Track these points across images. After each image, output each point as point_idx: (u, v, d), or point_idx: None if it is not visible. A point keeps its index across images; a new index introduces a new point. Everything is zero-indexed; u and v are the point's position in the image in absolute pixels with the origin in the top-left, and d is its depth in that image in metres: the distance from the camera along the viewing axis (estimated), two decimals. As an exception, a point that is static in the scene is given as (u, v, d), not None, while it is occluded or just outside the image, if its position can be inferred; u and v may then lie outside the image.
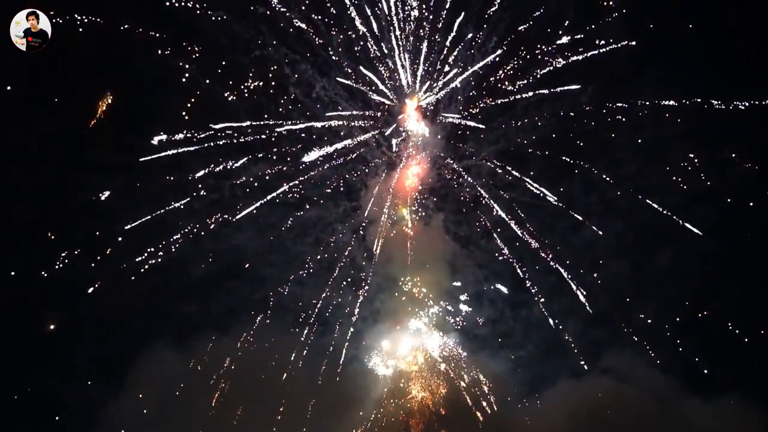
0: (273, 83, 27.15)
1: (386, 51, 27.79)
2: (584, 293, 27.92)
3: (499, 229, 29.15)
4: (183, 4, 25.37)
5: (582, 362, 28.79)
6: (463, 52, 27.75)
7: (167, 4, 25.23)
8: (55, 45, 21.39)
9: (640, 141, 27.19)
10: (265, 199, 27.68)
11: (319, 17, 26.67)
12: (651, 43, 25.76)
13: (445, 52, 27.87)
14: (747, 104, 25.10)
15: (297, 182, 28.21)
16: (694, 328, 27.67)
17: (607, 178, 27.36)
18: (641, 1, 25.71)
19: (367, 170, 29.43)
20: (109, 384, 27.81)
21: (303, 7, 26.53)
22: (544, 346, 29.63)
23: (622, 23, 25.56)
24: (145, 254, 26.60)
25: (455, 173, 29.57)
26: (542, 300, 28.81)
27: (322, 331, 29.21)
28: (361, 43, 27.41)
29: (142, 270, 26.66)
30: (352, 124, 28.30)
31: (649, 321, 28.28)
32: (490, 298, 29.66)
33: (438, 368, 29.97)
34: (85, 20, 24.21)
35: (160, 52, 25.72)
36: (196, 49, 26.10)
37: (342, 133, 28.33)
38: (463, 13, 27.09)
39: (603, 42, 26.06)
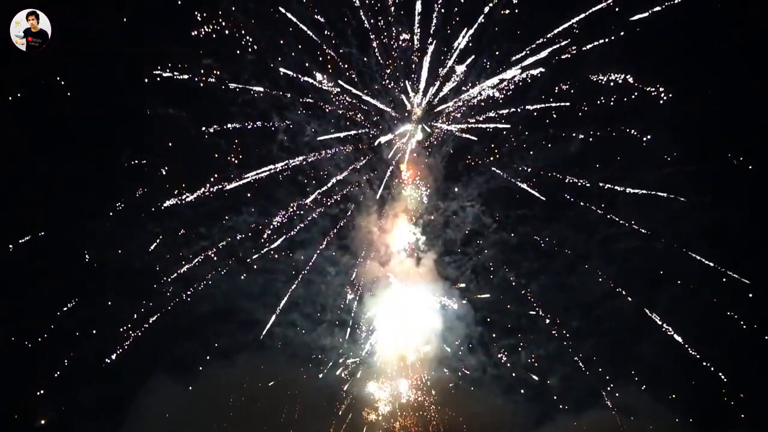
0: (262, 127, 27.23)
1: (378, 91, 27.88)
2: (570, 340, 28.05)
3: (492, 270, 29.31)
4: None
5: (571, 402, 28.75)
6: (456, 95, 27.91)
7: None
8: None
9: (636, 180, 26.90)
10: (256, 247, 27.50)
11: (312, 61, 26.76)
12: (651, 83, 25.43)
13: (438, 92, 28.00)
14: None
15: (287, 225, 28.05)
16: (699, 365, 26.74)
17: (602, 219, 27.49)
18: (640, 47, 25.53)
19: (358, 210, 29.13)
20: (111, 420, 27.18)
21: (293, 52, 26.82)
22: (541, 384, 29.20)
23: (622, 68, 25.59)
24: (141, 310, 26.44)
25: (447, 213, 29.54)
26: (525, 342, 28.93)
27: (315, 372, 28.69)
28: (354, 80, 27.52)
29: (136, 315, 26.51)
30: (345, 169, 28.14)
31: (651, 358, 27.90)
32: (482, 340, 29.23)
33: (433, 407, 29.59)
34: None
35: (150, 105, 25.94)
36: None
37: (334, 177, 28.07)
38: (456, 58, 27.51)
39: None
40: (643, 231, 26.67)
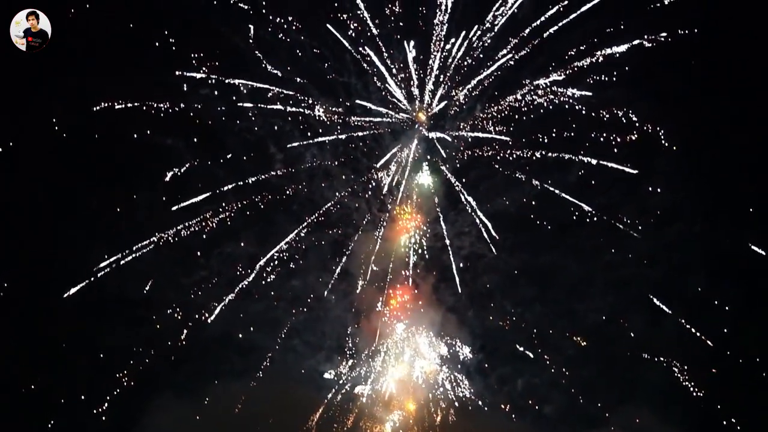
0: (259, 155, 26.87)
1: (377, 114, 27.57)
2: (569, 365, 27.95)
3: (490, 296, 28.73)
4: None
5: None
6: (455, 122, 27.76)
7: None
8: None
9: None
10: (255, 275, 27.00)
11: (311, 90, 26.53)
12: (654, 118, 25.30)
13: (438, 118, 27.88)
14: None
15: (286, 252, 27.58)
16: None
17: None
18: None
19: (357, 236, 28.54)
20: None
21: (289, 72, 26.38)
22: (541, 411, 29.03)
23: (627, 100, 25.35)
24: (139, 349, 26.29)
25: (445, 238, 28.89)
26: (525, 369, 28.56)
27: (316, 398, 28.34)
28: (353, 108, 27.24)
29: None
30: (344, 195, 27.94)
31: (654, 382, 27.69)
32: (480, 367, 28.88)
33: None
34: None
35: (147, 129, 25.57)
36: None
37: (333, 203, 27.82)
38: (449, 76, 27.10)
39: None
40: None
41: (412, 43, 26.42)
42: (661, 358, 26.93)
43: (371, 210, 28.42)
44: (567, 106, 25.70)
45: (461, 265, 28.28)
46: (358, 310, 28.74)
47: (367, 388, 28.62)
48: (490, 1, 25.64)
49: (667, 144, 25.00)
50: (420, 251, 28.77)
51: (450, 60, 26.69)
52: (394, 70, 26.88)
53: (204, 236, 26.67)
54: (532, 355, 28.18)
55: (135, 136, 25.36)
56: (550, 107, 26.08)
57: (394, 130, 27.89)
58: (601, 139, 25.83)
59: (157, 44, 24.84)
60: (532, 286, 28.19)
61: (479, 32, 26.18)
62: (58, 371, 25.36)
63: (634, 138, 25.13)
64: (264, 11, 25.28)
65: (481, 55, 26.10)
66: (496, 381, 28.78)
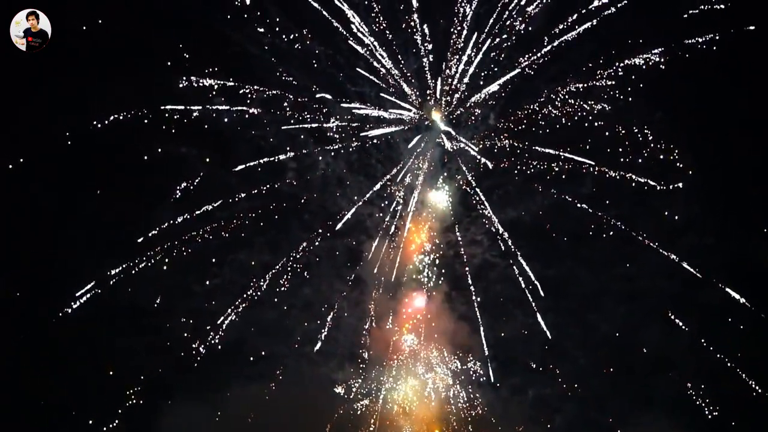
0: (273, 163, 26.62)
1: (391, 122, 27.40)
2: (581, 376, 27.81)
3: (503, 305, 28.38)
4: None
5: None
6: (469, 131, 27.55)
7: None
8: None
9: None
10: (268, 282, 26.97)
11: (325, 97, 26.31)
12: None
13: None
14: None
15: (299, 260, 27.49)
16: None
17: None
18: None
19: (370, 243, 28.31)
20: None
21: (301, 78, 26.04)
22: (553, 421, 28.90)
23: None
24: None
25: (458, 246, 28.61)
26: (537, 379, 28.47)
27: (330, 406, 28.22)
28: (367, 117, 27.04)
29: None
30: (358, 202, 27.61)
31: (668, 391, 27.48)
32: (492, 378, 28.30)
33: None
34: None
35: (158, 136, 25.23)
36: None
37: (346, 211, 27.59)
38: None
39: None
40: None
41: (430, 46, 26.15)
42: (675, 372, 26.71)
43: (385, 219, 28.11)
44: (585, 122, 25.45)
45: (474, 273, 28.25)
46: (371, 319, 28.59)
47: (379, 400, 28.48)
48: (506, 12, 25.48)
49: (682, 161, 24.63)
50: (433, 276, 28.69)
51: (466, 67, 26.37)
52: (409, 76, 26.62)
53: (217, 244, 26.60)
54: (543, 367, 28.14)
55: (145, 143, 25.01)
56: (567, 121, 25.89)
57: (409, 138, 27.60)
58: (618, 152, 25.48)
59: (164, 49, 24.55)
60: (545, 297, 27.90)
61: (496, 41, 25.82)
62: (69, 383, 25.13)
63: (649, 150, 24.83)
64: (278, 20, 24.93)
65: (496, 69, 25.84)
66: (508, 391, 28.61)
